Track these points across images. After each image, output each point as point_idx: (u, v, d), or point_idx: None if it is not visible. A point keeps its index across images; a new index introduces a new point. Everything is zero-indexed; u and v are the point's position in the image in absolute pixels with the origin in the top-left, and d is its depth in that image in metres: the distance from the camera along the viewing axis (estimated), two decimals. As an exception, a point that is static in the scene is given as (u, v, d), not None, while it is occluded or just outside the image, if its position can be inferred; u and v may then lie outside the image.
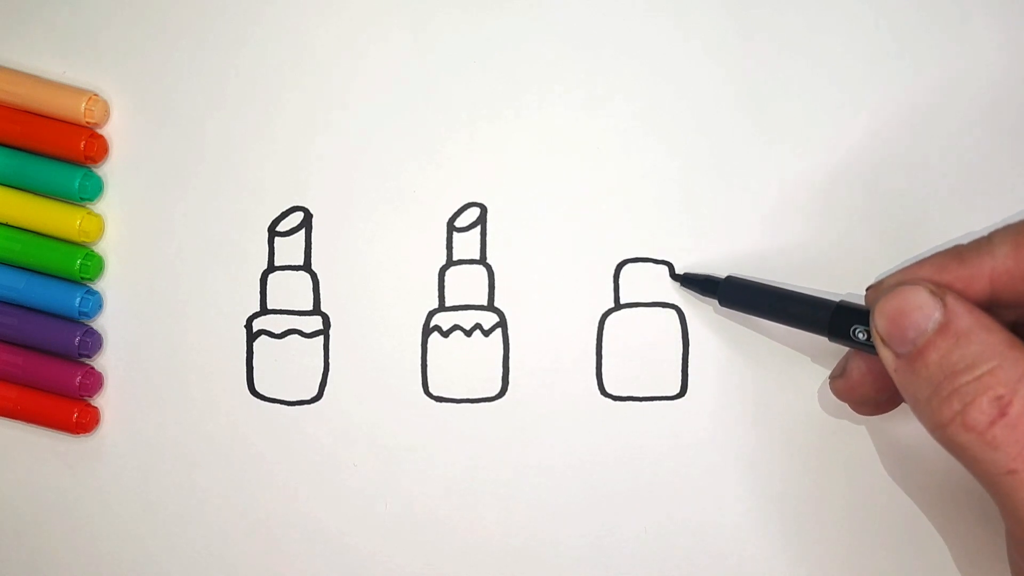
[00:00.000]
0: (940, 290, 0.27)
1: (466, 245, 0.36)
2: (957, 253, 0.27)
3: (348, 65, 0.36)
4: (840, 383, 0.32)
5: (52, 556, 0.37)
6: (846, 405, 0.33)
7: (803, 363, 0.35)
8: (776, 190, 0.35)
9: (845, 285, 0.35)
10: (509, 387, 0.36)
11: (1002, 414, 0.25)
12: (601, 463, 0.36)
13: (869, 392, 0.32)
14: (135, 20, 0.36)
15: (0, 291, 0.36)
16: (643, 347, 0.36)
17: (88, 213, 0.36)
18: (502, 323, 0.36)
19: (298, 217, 0.36)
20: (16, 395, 0.36)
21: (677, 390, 0.36)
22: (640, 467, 0.36)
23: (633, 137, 0.35)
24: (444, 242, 0.36)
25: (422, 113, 0.36)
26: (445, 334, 0.36)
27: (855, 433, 0.35)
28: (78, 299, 0.36)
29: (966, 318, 0.26)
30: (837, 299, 0.31)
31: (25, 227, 0.36)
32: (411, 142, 0.36)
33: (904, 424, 0.35)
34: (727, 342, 0.35)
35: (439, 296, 0.36)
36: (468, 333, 0.36)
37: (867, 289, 0.30)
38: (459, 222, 0.36)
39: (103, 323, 0.37)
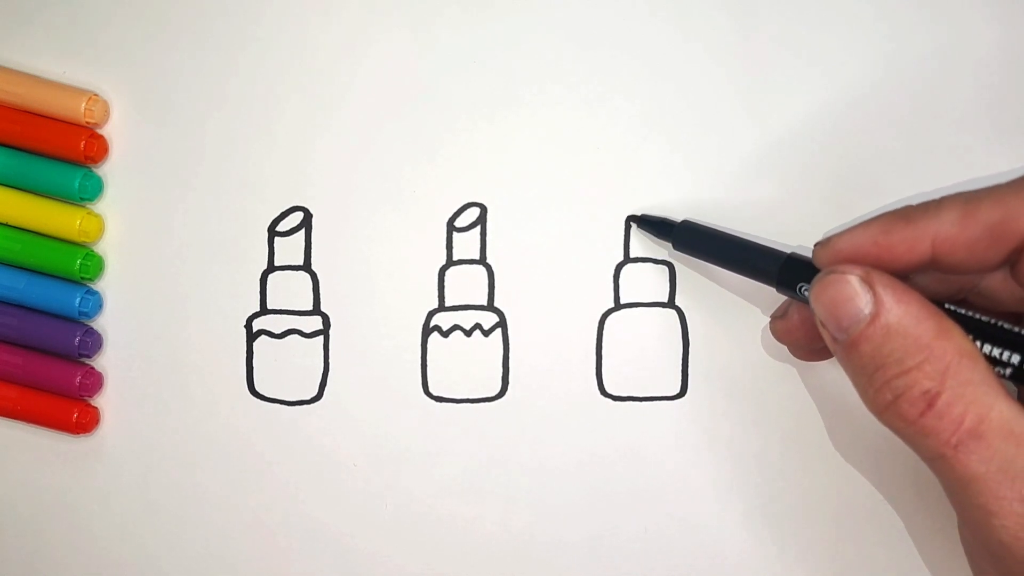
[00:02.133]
0: (870, 277, 0.27)
1: (466, 245, 0.36)
2: (905, 213, 0.28)
3: (348, 65, 0.36)
4: (779, 324, 0.33)
5: (52, 556, 0.37)
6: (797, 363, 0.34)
7: (803, 364, 0.35)
8: (777, 190, 0.35)
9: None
10: (509, 387, 0.36)
11: (930, 406, 0.26)
12: (601, 463, 0.36)
13: (806, 339, 0.32)
14: (135, 20, 0.36)
15: (0, 291, 0.36)
16: (643, 347, 0.36)
17: (88, 213, 0.36)
18: (502, 323, 0.36)
19: (298, 217, 0.36)
20: (16, 395, 0.36)
21: (677, 390, 0.36)
22: (640, 467, 0.36)
23: (633, 137, 0.35)
24: (444, 242, 0.36)
25: (422, 113, 0.36)
26: (445, 334, 0.36)
27: (855, 433, 0.35)
28: (78, 299, 0.36)
29: (894, 310, 0.26)
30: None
31: (25, 227, 0.36)
32: (411, 142, 0.36)
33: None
34: (727, 342, 0.35)
35: (439, 296, 0.36)
36: (468, 333, 0.36)
37: (815, 245, 0.30)
38: (459, 222, 0.36)
39: (103, 323, 0.37)
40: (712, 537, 0.36)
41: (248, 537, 0.36)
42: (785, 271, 0.31)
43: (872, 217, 0.29)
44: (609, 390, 0.36)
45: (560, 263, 0.36)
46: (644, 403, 0.36)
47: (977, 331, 0.27)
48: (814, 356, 0.33)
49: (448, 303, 0.36)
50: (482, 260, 0.36)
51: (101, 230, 0.36)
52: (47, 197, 0.36)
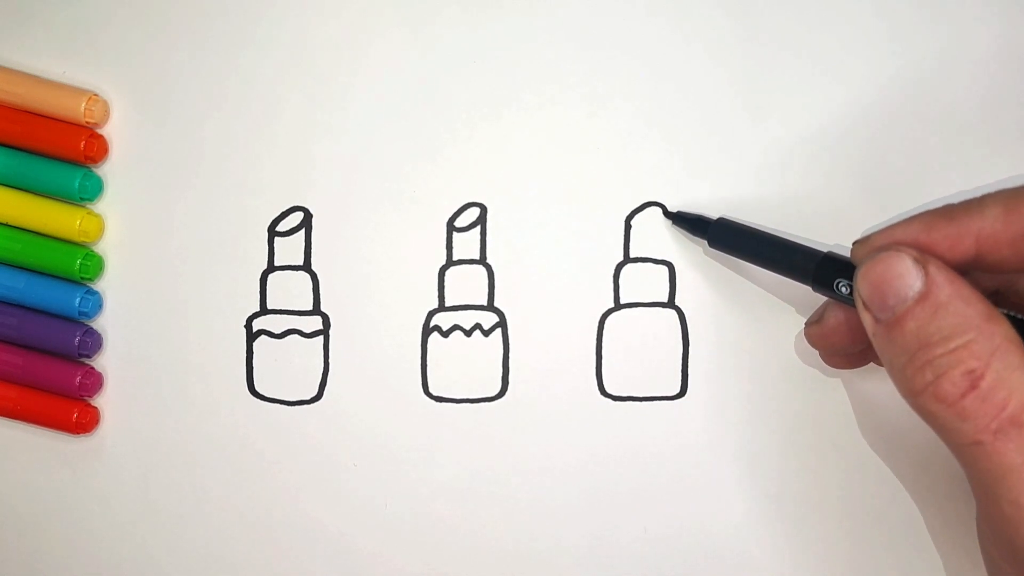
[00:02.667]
0: (923, 258, 0.27)
1: (466, 245, 0.36)
2: (947, 212, 0.28)
3: (348, 65, 0.36)
4: (815, 329, 0.32)
5: (52, 556, 0.37)
6: (820, 369, 0.34)
7: (803, 363, 0.35)
8: (777, 190, 0.35)
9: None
10: (509, 387, 0.36)
11: (973, 387, 0.25)
12: (601, 463, 0.36)
13: (842, 342, 0.32)
14: (135, 20, 0.36)
15: (0, 291, 0.36)
16: (643, 347, 0.36)
17: (88, 213, 0.36)
18: (502, 323, 0.36)
19: (298, 217, 0.36)
20: (16, 395, 0.36)
21: (677, 390, 0.36)
22: (640, 467, 0.36)
23: (633, 137, 0.35)
24: (444, 242, 0.36)
25: (422, 113, 0.36)
26: (445, 334, 0.36)
27: (854, 432, 0.35)
28: (78, 299, 0.36)
29: (946, 288, 0.26)
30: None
31: (25, 227, 0.36)
32: (411, 142, 0.36)
33: (895, 412, 0.35)
34: (727, 342, 0.35)
35: (439, 296, 0.36)
36: (468, 333, 0.36)
37: (853, 244, 0.30)
38: (459, 222, 0.36)
39: (103, 323, 0.37)
40: (712, 537, 0.35)
41: (248, 537, 0.36)
42: (822, 269, 0.31)
43: (913, 215, 0.28)
44: (609, 390, 0.36)
45: (560, 263, 0.36)
46: (644, 403, 0.36)
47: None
48: (846, 362, 0.33)
49: (448, 303, 0.36)
50: (482, 260, 0.36)
51: (101, 230, 0.36)
52: (47, 197, 0.36)
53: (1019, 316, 0.27)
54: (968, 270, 0.28)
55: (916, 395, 0.26)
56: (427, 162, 0.36)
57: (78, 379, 0.36)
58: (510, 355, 0.36)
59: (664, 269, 0.35)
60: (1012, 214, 0.26)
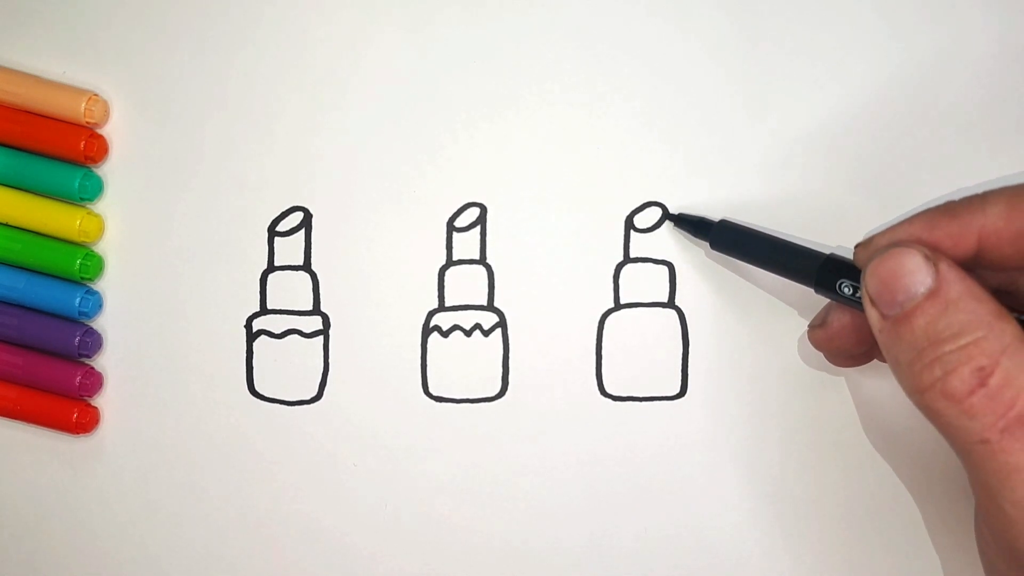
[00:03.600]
0: (935, 255, 0.27)
1: (466, 245, 0.36)
2: (949, 209, 0.27)
3: (348, 65, 0.36)
4: (819, 332, 0.32)
5: (52, 556, 0.37)
6: (825, 370, 0.34)
7: (803, 363, 0.35)
8: (777, 190, 0.35)
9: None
10: (509, 387, 0.36)
11: (981, 384, 0.25)
12: (601, 463, 0.36)
13: (846, 345, 0.32)
14: (135, 20, 0.36)
15: (0, 291, 0.36)
16: (643, 347, 0.36)
17: (88, 213, 0.36)
18: (502, 323, 0.36)
19: (298, 217, 0.36)
20: (16, 395, 0.36)
21: (677, 390, 0.36)
22: (640, 467, 0.36)
23: (633, 137, 0.35)
24: (444, 242, 0.36)
25: (422, 113, 0.36)
26: (445, 334, 0.36)
27: (854, 432, 0.35)
28: (78, 299, 0.36)
29: (957, 286, 0.26)
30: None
31: (25, 227, 0.36)
32: (411, 142, 0.36)
33: (895, 412, 0.35)
34: (727, 342, 0.35)
35: (439, 296, 0.36)
36: (468, 333, 0.36)
37: (856, 246, 0.30)
38: (459, 222, 0.36)
39: (103, 323, 0.37)
40: (712, 537, 0.35)
41: (248, 537, 0.36)
42: (824, 270, 0.31)
43: (915, 213, 0.28)
44: (609, 390, 0.36)
45: (560, 263, 0.36)
46: (644, 403, 0.36)
47: None
48: (851, 362, 0.33)
49: (448, 303, 0.36)
50: (482, 260, 0.36)
51: (101, 230, 0.36)
52: (47, 197, 0.36)
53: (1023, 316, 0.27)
54: (970, 268, 0.27)
55: (923, 392, 0.26)
56: (427, 162, 0.36)
57: (78, 379, 0.36)
58: (510, 355, 0.36)
59: (664, 269, 0.35)
60: (1015, 211, 0.26)
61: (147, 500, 0.37)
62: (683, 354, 0.36)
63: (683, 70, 0.35)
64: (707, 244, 0.34)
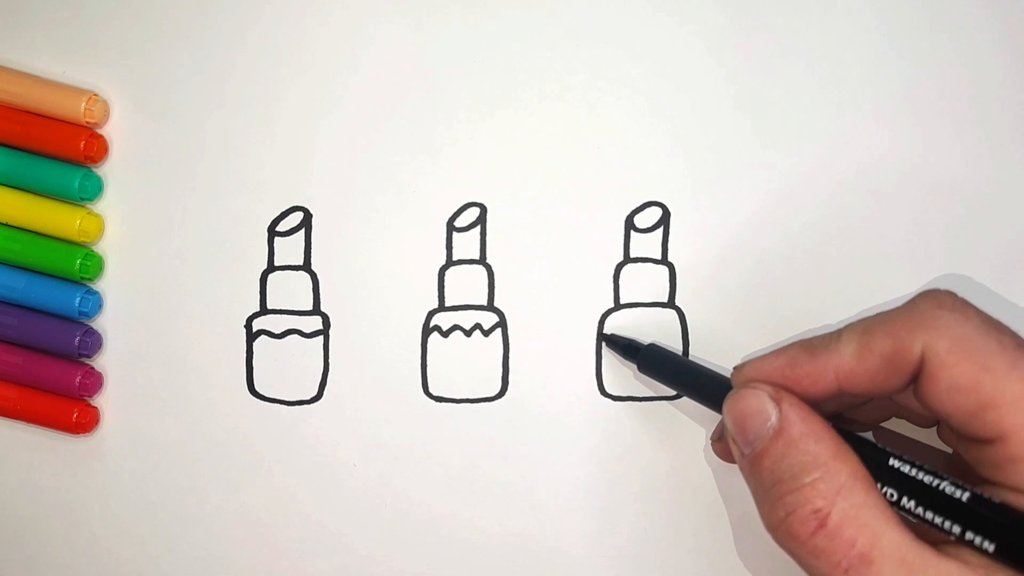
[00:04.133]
0: (778, 394, 0.28)
1: (466, 245, 0.36)
2: (809, 347, 0.28)
3: (348, 65, 0.36)
4: (719, 446, 0.33)
5: (52, 556, 0.37)
6: None
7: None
8: (777, 189, 0.35)
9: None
10: (509, 387, 0.36)
11: (821, 526, 0.26)
12: (601, 463, 0.36)
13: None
14: (135, 20, 0.36)
15: (0, 291, 0.36)
16: (643, 347, 0.36)
17: (88, 213, 0.36)
18: (502, 323, 0.36)
19: (298, 217, 0.36)
20: (16, 395, 0.36)
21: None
22: (640, 467, 0.36)
23: (633, 137, 0.35)
24: (444, 242, 0.36)
25: (422, 113, 0.36)
26: (445, 334, 0.36)
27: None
28: (78, 299, 0.36)
29: (797, 427, 0.27)
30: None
31: (25, 227, 0.36)
32: (411, 142, 0.36)
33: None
34: (727, 342, 0.35)
35: (439, 296, 0.36)
36: (468, 333, 0.36)
37: (734, 369, 0.31)
38: (459, 222, 0.36)
39: (103, 323, 0.37)
40: (712, 537, 0.35)
41: (248, 537, 0.36)
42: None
43: (781, 347, 0.29)
44: (609, 390, 0.36)
45: (560, 263, 0.36)
46: (644, 403, 0.36)
47: (905, 487, 0.27)
48: None
49: (448, 303, 0.36)
50: (482, 260, 0.36)
51: (101, 230, 0.36)
52: (47, 197, 0.36)
53: (876, 443, 0.27)
54: (835, 397, 0.28)
55: (774, 530, 0.27)
56: (427, 162, 0.36)
57: (78, 379, 0.36)
58: (510, 355, 0.36)
59: (664, 269, 0.35)
60: (864, 350, 0.27)
61: (147, 500, 0.37)
62: (683, 354, 0.35)
63: (683, 70, 0.35)
64: (635, 367, 0.35)
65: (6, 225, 0.36)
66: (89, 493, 0.37)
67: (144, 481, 0.37)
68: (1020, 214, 0.35)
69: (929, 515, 0.26)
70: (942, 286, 0.30)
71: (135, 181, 0.36)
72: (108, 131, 0.36)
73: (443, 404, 0.36)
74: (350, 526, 0.36)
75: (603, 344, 0.35)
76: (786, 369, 0.28)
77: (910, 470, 0.26)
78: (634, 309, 0.36)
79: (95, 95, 0.36)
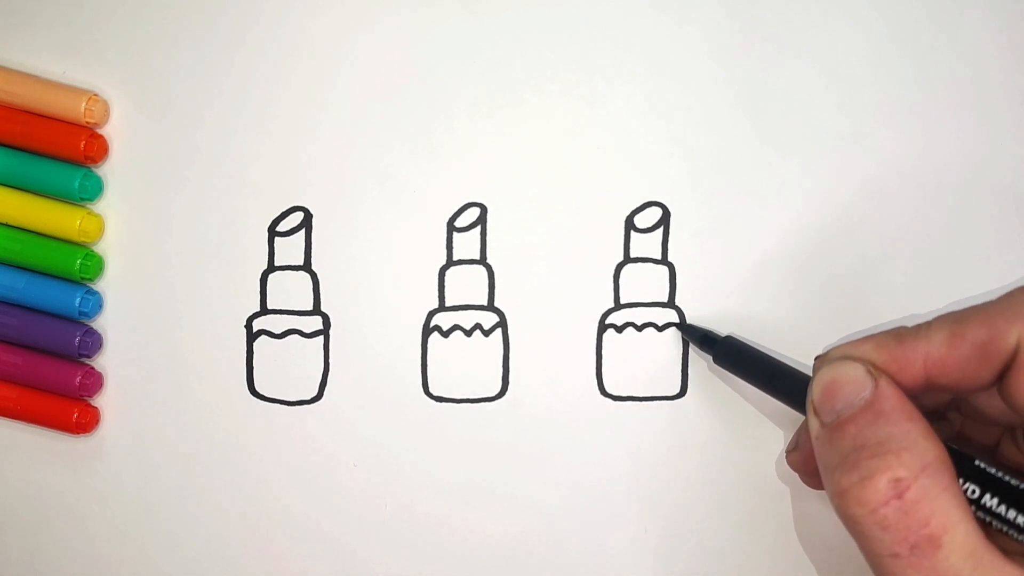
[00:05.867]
0: (877, 372, 0.27)
1: (466, 245, 0.36)
2: (897, 334, 0.28)
3: (348, 65, 0.36)
4: (795, 456, 0.33)
5: (52, 556, 0.37)
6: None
7: (803, 363, 0.35)
8: (777, 188, 0.35)
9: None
10: (509, 387, 0.36)
11: (897, 496, 0.25)
12: (601, 463, 0.36)
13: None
14: (135, 20, 0.36)
15: (0, 291, 0.36)
16: (643, 347, 0.36)
17: (88, 213, 0.36)
18: (502, 323, 0.36)
19: (298, 217, 0.36)
20: (16, 395, 0.36)
21: (677, 390, 0.36)
22: (640, 467, 0.36)
23: (634, 137, 0.35)
24: (444, 242, 0.36)
25: (422, 113, 0.36)
26: (445, 334, 0.36)
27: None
28: (78, 299, 0.36)
29: (891, 401, 0.26)
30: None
31: (25, 227, 0.36)
32: (411, 142, 0.36)
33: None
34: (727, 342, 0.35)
35: (439, 296, 0.36)
36: (468, 333, 0.36)
37: (815, 359, 0.31)
38: (459, 222, 0.36)
39: (103, 323, 0.37)
40: (712, 538, 0.35)
41: (247, 537, 0.36)
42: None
43: (866, 336, 0.29)
44: (609, 390, 0.36)
45: (560, 263, 0.36)
46: (644, 403, 0.36)
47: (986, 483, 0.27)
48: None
49: (448, 303, 0.36)
50: (482, 260, 0.36)
51: (101, 230, 0.36)
52: (47, 197, 0.36)
53: (958, 448, 0.27)
54: (923, 391, 0.28)
55: (840, 495, 0.26)
56: (427, 162, 0.36)
57: (78, 379, 0.36)
58: (510, 355, 0.36)
59: (664, 269, 0.35)
60: (957, 339, 0.27)
61: (147, 500, 0.37)
62: (683, 354, 0.36)
63: (683, 70, 0.35)
64: (710, 358, 0.34)
65: (6, 225, 0.36)
66: (89, 493, 0.37)
67: (144, 481, 0.37)
68: (1021, 214, 0.35)
69: (1012, 514, 0.26)
70: None
71: (135, 181, 0.36)
72: (108, 131, 0.36)
73: (443, 404, 0.36)
74: (350, 526, 0.36)
75: (682, 333, 0.35)
76: (873, 353, 0.28)
77: (995, 471, 0.26)
78: (634, 309, 0.36)
79: (95, 95, 0.36)
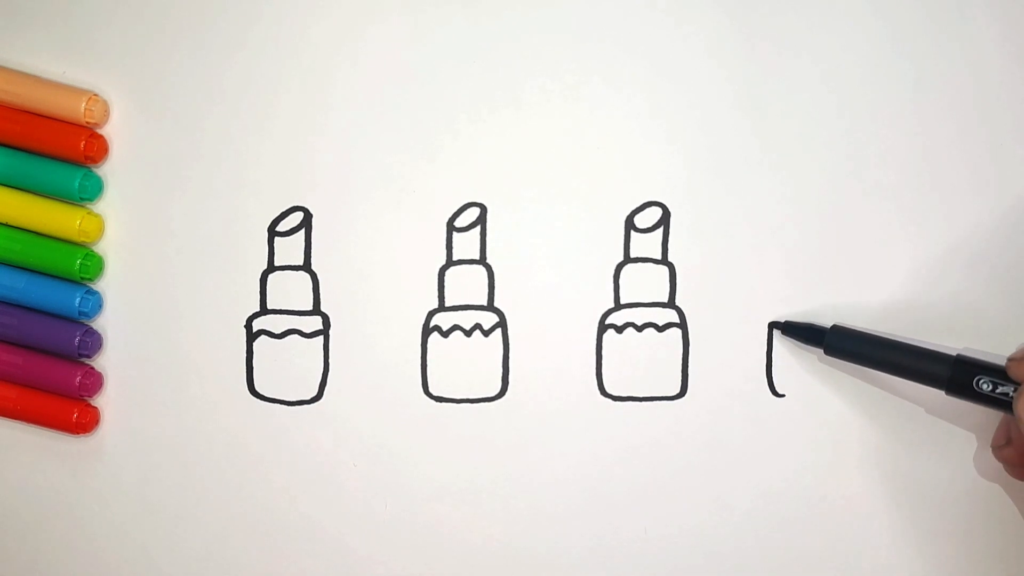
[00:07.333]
0: None
1: (466, 245, 0.36)
2: None
3: (348, 65, 0.36)
4: (1007, 452, 0.33)
5: (52, 556, 0.37)
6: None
7: (802, 366, 0.35)
8: (777, 187, 0.35)
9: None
10: (509, 387, 0.36)
11: None
12: (601, 463, 0.36)
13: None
14: (135, 20, 0.36)
15: (0, 291, 0.36)
16: (643, 347, 0.36)
17: (88, 213, 0.36)
18: (502, 323, 0.36)
19: (298, 217, 0.36)
20: (16, 395, 0.36)
21: (677, 390, 0.36)
22: (640, 467, 0.36)
23: (634, 137, 0.35)
24: (444, 242, 0.36)
25: (422, 113, 0.36)
26: (445, 334, 0.36)
27: (854, 432, 0.35)
28: (78, 299, 0.36)
29: None
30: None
31: (25, 227, 0.36)
32: (411, 142, 0.36)
33: (891, 410, 0.35)
34: (727, 342, 0.35)
35: (439, 296, 0.36)
36: (468, 333, 0.36)
37: (1009, 360, 0.31)
38: (459, 222, 0.36)
39: (103, 323, 0.37)
40: (712, 538, 0.35)
41: (247, 537, 0.36)
42: (957, 371, 0.32)
43: None
44: (609, 390, 0.36)
45: (560, 263, 0.36)
46: (644, 403, 0.36)
47: None
48: None
49: (448, 303, 0.36)
50: (482, 260, 0.36)
51: (101, 230, 0.36)
52: (47, 197, 0.36)
53: None
54: None
55: None
56: (427, 162, 0.36)
57: (78, 379, 0.36)
58: (510, 355, 0.36)
59: (664, 269, 0.35)
60: None
61: (147, 500, 0.37)
62: (683, 354, 0.36)
63: (683, 70, 0.35)
64: (820, 351, 0.34)
65: (6, 225, 0.36)
66: (89, 493, 0.37)
67: (144, 481, 0.37)
68: (1021, 214, 0.35)
69: None
70: None
71: (135, 181, 0.36)
72: (108, 131, 0.36)
73: (443, 404, 0.36)
74: (350, 526, 0.36)
75: (780, 332, 0.35)
76: None
77: None
78: (634, 309, 0.36)
79: (95, 95, 0.36)
